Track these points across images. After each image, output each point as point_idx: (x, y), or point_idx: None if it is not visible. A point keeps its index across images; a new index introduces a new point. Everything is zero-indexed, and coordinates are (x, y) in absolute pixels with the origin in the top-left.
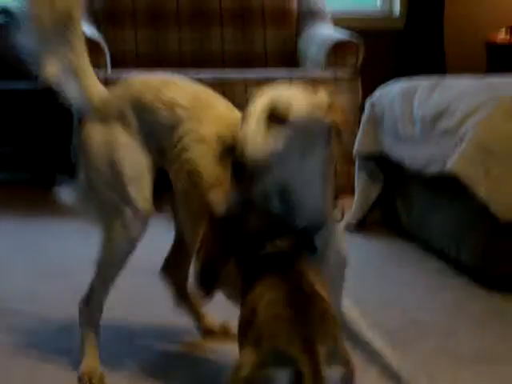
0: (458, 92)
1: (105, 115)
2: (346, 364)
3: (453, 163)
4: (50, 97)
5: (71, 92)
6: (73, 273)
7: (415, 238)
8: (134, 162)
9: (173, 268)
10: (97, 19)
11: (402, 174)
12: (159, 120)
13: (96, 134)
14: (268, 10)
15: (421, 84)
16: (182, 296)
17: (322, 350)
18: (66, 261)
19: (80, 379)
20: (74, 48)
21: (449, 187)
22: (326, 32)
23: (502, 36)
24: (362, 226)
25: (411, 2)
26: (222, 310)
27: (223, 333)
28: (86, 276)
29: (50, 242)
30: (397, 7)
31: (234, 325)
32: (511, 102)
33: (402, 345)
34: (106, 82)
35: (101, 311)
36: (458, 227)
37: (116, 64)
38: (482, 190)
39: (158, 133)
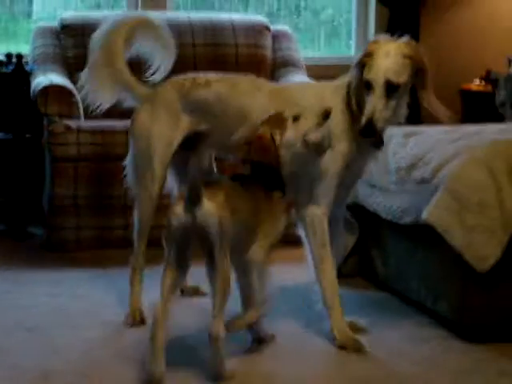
0: (433, 142)
1: (152, 102)
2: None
3: (428, 213)
4: (22, 147)
5: (125, 98)
6: (44, 325)
7: (392, 289)
8: (161, 137)
9: None
10: (69, 67)
11: (378, 224)
12: (201, 96)
13: (142, 116)
14: (242, 58)
15: (395, 133)
16: None
17: None
18: (38, 312)
19: (126, 317)
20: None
21: (425, 237)
22: (299, 81)
23: (476, 84)
24: (337, 276)
25: None
26: None
27: (195, 291)
28: (57, 329)
29: (22, 293)
30: None
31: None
32: (484, 152)
33: None
34: (79, 131)
35: (143, 258)
36: (435, 278)
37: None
38: (457, 239)
39: (202, 105)
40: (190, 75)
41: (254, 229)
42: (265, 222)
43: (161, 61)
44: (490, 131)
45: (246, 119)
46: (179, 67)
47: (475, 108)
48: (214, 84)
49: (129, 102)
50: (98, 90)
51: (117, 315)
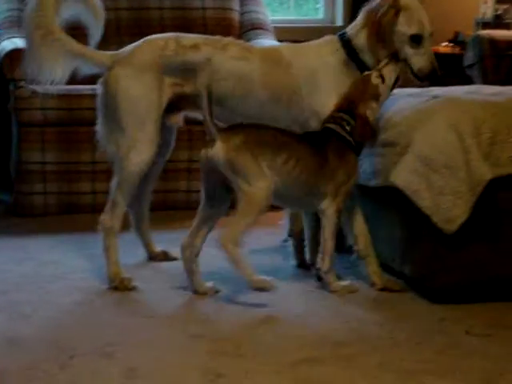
0: (401, 104)
1: (129, 64)
2: None
3: (395, 175)
4: None
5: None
6: (11, 291)
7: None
8: (150, 101)
9: (136, 200)
10: None
11: None
12: (188, 59)
13: (124, 80)
14: (210, 21)
15: None
16: (139, 225)
17: None
18: (4, 278)
19: (109, 283)
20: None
21: (392, 200)
22: (268, 44)
23: (444, 46)
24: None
25: (354, 11)
26: None
27: (164, 256)
28: (24, 295)
29: None
30: (339, 17)
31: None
32: (451, 114)
33: (347, 358)
34: (45, 95)
35: (120, 221)
36: (401, 240)
37: None
38: (424, 201)
39: (189, 68)
40: (168, 35)
41: (312, 181)
42: (335, 178)
43: (92, 27)
44: (457, 93)
45: (242, 82)
46: (146, 31)
47: (443, 70)
48: (203, 47)
49: (85, 71)
50: (46, 68)
51: (85, 280)
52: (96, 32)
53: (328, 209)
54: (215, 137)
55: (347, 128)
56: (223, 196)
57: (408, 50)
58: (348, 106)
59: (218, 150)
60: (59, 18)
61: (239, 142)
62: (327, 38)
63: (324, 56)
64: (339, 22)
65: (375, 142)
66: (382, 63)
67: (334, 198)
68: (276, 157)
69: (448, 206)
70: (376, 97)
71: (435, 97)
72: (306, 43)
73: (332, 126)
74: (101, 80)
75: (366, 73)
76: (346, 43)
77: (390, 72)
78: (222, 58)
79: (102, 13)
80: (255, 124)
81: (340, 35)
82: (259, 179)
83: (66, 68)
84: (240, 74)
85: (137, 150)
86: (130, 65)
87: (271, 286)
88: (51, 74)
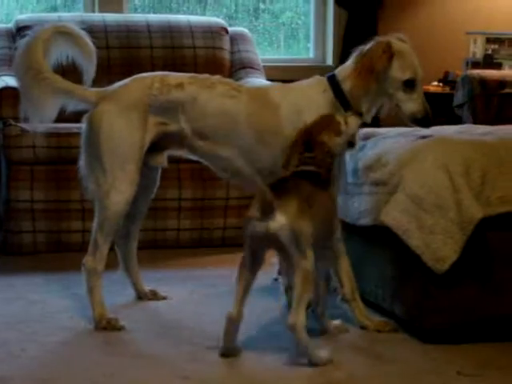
0: (390, 143)
1: (114, 102)
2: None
3: (385, 214)
4: None
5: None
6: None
7: None
8: (133, 140)
9: (123, 239)
10: None
11: None
12: (173, 98)
13: (107, 117)
14: (200, 60)
15: None
16: (128, 264)
17: None
18: None
19: (96, 324)
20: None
21: (382, 239)
22: (258, 83)
23: (434, 85)
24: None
25: (344, 52)
26: None
27: (153, 295)
28: (11, 334)
29: None
30: (329, 56)
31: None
32: (441, 154)
33: None
34: (34, 134)
35: (104, 262)
36: (391, 280)
37: None
38: (415, 240)
39: (174, 107)
40: (155, 74)
41: (329, 221)
42: (334, 213)
43: (85, 65)
44: (447, 133)
45: (227, 120)
46: (137, 70)
47: (433, 109)
48: (187, 86)
49: (71, 107)
50: (37, 107)
51: (73, 320)
52: (90, 69)
53: (338, 244)
54: (272, 206)
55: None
56: (263, 261)
57: (401, 96)
58: (306, 137)
59: (280, 223)
60: (49, 58)
61: (295, 211)
62: (316, 78)
63: (311, 96)
64: (329, 62)
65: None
66: (349, 113)
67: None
68: (313, 216)
69: (438, 245)
70: (338, 133)
71: (425, 136)
72: (295, 83)
73: (309, 167)
74: (85, 116)
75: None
76: (335, 85)
77: (354, 122)
78: (209, 96)
79: (93, 50)
80: (284, 182)
81: (329, 77)
82: (310, 249)
83: (54, 106)
84: (226, 112)
85: (117, 189)
86: (115, 102)
87: (330, 359)
88: (42, 113)
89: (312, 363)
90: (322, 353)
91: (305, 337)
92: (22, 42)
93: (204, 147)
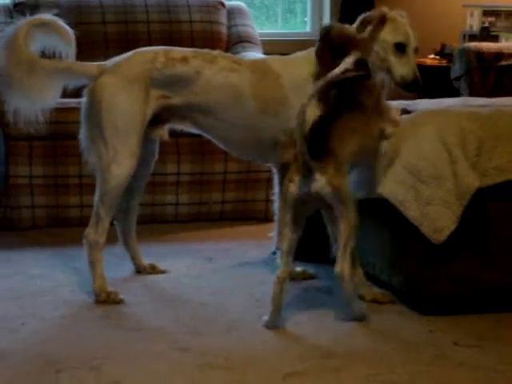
0: None
1: (116, 75)
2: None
3: (383, 186)
4: None
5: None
6: None
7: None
8: (135, 114)
9: (122, 214)
10: None
11: None
12: (177, 72)
13: (109, 90)
14: (197, 35)
15: None
16: (127, 238)
17: None
18: None
19: (96, 297)
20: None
21: (379, 212)
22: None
23: (431, 58)
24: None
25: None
26: None
27: (152, 269)
28: (12, 309)
29: None
30: None
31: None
32: (438, 125)
33: (335, 370)
34: None
35: (105, 235)
36: (389, 252)
37: None
38: (412, 212)
39: (178, 81)
40: (157, 48)
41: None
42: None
43: (65, 50)
44: (444, 105)
45: (232, 93)
46: (134, 45)
47: (430, 82)
48: (192, 60)
49: (73, 85)
50: (39, 97)
51: (73, 294)
52: (70, 51)
53: None
54: (312, 168)
55: None
56: (305, 221)
57: (392, 59)
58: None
59: (321, 182)
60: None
61: (333, 169)
62: (313, 49)
63: (313, 64)
64: None
65: None
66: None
67: None
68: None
69: (436, 216)
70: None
71: (422, 109)
72: (292, 55)
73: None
74: (86, 89)
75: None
76: None
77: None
78: (212, 70)
79: (69, 31)
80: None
81: None
82: (352, 201)
83: (56, 88)
84: (230, 85)
85: (118, 162)
86: (117, 75)
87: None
88: (44, 99)
89: (353, 314)
90: (362, 308)
91: (350, 285)
92: (1, 43)
93: (207, 120)
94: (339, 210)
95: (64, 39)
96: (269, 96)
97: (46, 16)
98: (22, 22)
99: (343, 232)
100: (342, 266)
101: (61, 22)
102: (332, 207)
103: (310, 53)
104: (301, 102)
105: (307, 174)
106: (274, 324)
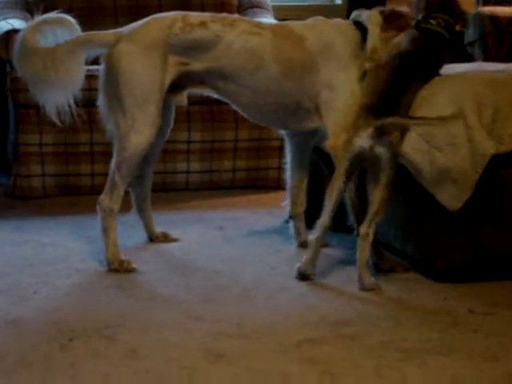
0: None
1: (134, 42)
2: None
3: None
4: None
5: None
6: (10, 273)
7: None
8: (154, 81)
9: (137, 181)
10: (30, 12)
11: None
12: (197, 37)
13: (127, 58)
14: (207, 1)
15: None
16: (141, 205)
17: None
18: (3, 260)
19: (108, 265)
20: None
21: (395, 178)
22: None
23: None
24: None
25: None
26: None
27: (164, 237)
28: (23, 277)
29: None
30: None
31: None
32: (453, 91)
33: (349, 338)
34: None
35: (120, 203)
36: (403, 219)
37: None
38: (428, 179)
39: (198, 46)
40: (175, 13)
41: None
42: None
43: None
44: (459, 70)
45: (253, 56)
46: (143, 12)
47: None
48: (210, 24)
49: (92, 54)
50: (66, 78)
51: (85, 262)
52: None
53: None
54: (386, 129)
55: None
56: (356, 176)
57: None
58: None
59: (387, 145)
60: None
61: (398, 137)
62: (337, 19)
63: (344, 31)
64: (338, 1)
65: None
66: None
67: None
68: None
69: (451, 183)
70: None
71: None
72: (312, 20)
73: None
74: (103, 56)
75: None
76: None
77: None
78: (233, 34)
79: (78, 28)
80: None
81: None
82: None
83: (80, 63)
84: (252, 49)
85: (137, 131)
86: (134, 42)
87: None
88: (74, 80)
89: (366, 282)
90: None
91: (369, 250)
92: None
93: (227, 86)
94: (386, 176)
95: (72, 31)
96: (293, 60)
97: (51, 15)
98: (30, 23)
99: (379, 199)
100: (368, 229)
101: (67, 17)
102: (380, 171)
103: (342, 20)
104: (327, 67)
105: (375, 133)
106: (307, 272)
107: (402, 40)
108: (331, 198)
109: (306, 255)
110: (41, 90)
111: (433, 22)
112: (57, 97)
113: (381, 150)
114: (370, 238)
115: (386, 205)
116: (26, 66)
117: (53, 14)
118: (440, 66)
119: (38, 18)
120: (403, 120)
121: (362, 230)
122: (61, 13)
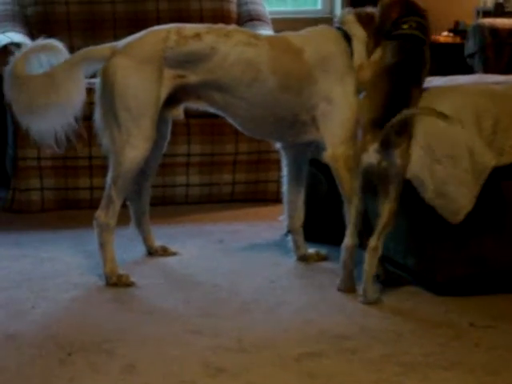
0: None
1: (129, 56)
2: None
3: None
4: None
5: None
6: (8, 288)
7: (360, 244)
8: (149, 96)
9: (135, 195)
10: (28, 25)
11: None
12: (191, 49)
13: (123, 72)
14: (206, 14)
15: None
16: (140, 219)
17: None
18: (1, 275)
19: (106, 280)
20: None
21: None
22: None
23: (445, 35)
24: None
25: (353, 2)
26: None
27: (163, 251)
28: (21, 292)
29: None
30: (338, 8)
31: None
32: (453, 104)
33: (350, 351)
34: None
35: (116, 218)
36: (405, 231)
37: None
38: (429, 192)
39: (193, 59)
40: (170, 26)
41: None
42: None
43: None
44: (459, 83)
45: (250, 68)
46: (143, 24)
47: (444, 60)
48: (205, 36)
49: (91, 70)
50: (67, 100)
51: (83, 277)
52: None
53: None
54: (391, 142)
55: None
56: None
57: None
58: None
59: (395, 159)
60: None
61: (406, 150)
62: (325, 26)
63: (339, 43)
64: (337, 12)
65: None
66: None
67: None
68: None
69: (452, 196)
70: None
71: (437, 87)
72: (308, 30)
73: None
74: (99, 70)
75: None
76: (347, 36)
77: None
78: (228, 45)
79: (66, 52)
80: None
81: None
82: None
83: (80, 82)
84: (248, 61)
85: (132, 145)
86: (129, 56)
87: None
88: (75, 100)
89: (368, 295)
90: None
91: (375, 264)
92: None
93: (223, 98)
94: (395, 189)
95: (60, 56)
96: (290, 72)
97: (39, 42)
98: (19, 52)
99: (388, 212)
100: (377, 242)
101: (54, 42)
102: (389, 184)
103: (329, 29)
104: (325, 79)
105: (382, 147)
106: (348, 286)
107: (382, 55)
108: (351, 219)
109: (341, 276)
110: (37, 117)
111: (404, 26)
112: (54, 121)
113: (389, 164)
114: (380, 251)
115: (395, 217)
116: (20, 95)
117: (40, 41)
118: (426, 65)
119: (25, 48)
120: (409, 112)
121: (372, 243)
122: (59, 26)
